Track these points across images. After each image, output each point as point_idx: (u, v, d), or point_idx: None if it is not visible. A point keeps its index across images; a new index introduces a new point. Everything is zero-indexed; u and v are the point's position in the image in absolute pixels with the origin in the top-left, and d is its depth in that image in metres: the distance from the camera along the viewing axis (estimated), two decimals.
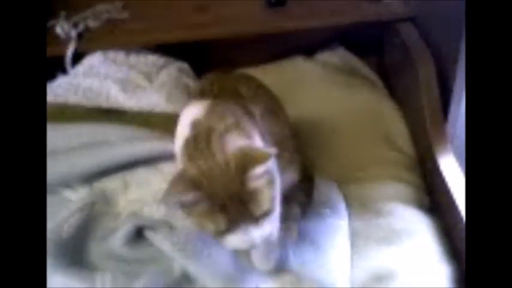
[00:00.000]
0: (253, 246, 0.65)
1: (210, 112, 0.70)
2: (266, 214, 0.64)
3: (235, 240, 0.64)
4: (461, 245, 0.82)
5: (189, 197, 0.61)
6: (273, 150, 0.63)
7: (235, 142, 0.65)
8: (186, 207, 0.63)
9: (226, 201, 0.61)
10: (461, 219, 0.81)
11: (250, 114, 0.74)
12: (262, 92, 0.83)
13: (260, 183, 0.62)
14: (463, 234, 0.80)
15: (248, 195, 0.61)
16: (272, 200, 0.64)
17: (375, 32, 1.21)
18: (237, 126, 0.69)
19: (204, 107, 0.71)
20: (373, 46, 1.24)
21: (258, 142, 0.71)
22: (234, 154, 0.63)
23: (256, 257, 0.75)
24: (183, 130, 0.70)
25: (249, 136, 0.69)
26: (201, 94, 0.77)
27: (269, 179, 0.64)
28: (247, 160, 0.61)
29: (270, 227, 0.65)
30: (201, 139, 0.66)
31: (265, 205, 0.63)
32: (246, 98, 0.77)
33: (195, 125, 0.69)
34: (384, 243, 0.82)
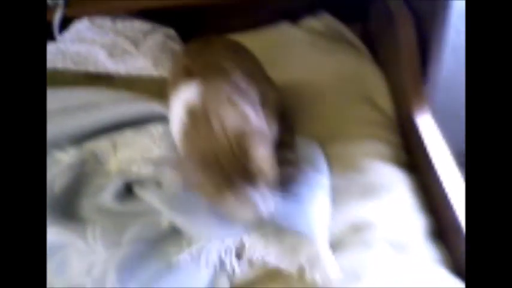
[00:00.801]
0: (258, 215, 0.69)
1: (203, 94, 0.73)
2: (269, 183, 0.68)
3: (243, 211, 0.68)
4: (437, 199, 0.86)
5: (198, 177, 0.65)
6: (270, 130, 0.67)
7: (233, 121, 0.68)
8: (195, 187, 0.67)
9: (232, 177, 0.65)
10: (437, 176, 0.85)
11: (238, 89, 0.77)
12: (240, 57, 0.86)
13: (261, 156, 0.66)
14: (439, 190, 0.84)
15: (252, 169, 0.65)
16: (273, 169, 0.68)
17: None
18: (232, 104, 0.72)
19: (195, 89, 0.74)
20: (358, 13, 1.26)
21: (252, 117, 0.73)
22: (235, 134, 0.66)
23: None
24: (178, 114, 0.73)
25: (243, 112, 0.72)
26: (187, 73, 0.78)
27: (269, 152, 0.68)
28: (248, 139, 0.65)
29: (271, 195, 0.69)
30: (200, 121, 0.69)
31: (268, 175, 0.67)
32: (230, 70, 0.80)
33: (191, 108, 0.71)
34: (362, 197, 0.86)
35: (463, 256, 0.75)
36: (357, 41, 1.24)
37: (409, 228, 0.83)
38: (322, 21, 1.28)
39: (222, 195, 0.66)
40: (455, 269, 0.78)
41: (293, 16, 1.29)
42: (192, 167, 0.65)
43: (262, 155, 0.67)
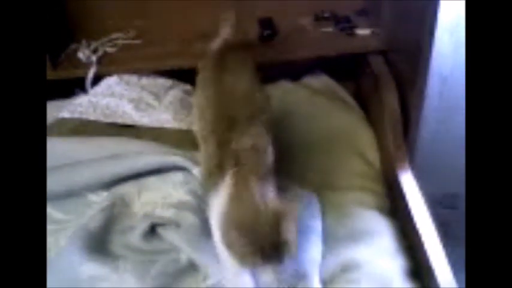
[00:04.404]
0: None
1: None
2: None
3: (264, 273, 0.84)
4: (414, 242, 1.01)
5: (240, 242, 0.77)
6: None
7: (269, 192, 0.82)
8: (234, 250, 0.79)
9: (265, 246, 0.76)
10: (413, 221, 1.01)
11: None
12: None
13: (292, 233, 0.78)
14: (415, 233, 1.00)
15: (282, 243, 0.77)
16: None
17: (353, 62, 1.41)
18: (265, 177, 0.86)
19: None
20: (351, 74, 1.44)
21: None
22: (272, 207, 0.79)
23: None
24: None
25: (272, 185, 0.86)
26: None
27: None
28: (283, 215, 0.78)
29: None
30: (243, 194, 0.81)
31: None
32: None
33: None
34: (351, 241, 1.00)
35: None
36: (350, 99, 1.41)
37: (391, 268, 0.96)
38: (319, 80, 1.45)
39: (253, 259, 0.77)
40: None
41: (294, 75, 1.46)
42: (237, 232, 0.77)
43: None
